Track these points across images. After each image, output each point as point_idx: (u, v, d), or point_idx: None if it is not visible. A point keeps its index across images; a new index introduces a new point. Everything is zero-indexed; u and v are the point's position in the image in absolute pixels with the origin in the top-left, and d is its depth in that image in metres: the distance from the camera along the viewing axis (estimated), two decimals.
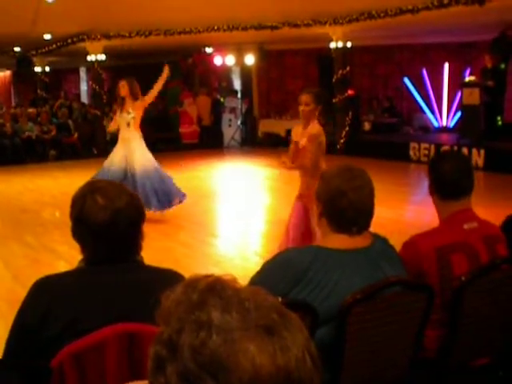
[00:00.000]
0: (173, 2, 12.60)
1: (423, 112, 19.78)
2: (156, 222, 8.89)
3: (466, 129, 14.65)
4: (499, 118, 14.84)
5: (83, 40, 16.74)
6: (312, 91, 5.68)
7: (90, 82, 20.02)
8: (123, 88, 8.91)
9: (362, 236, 2.57)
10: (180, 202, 9.28)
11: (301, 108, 5.59)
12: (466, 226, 2.97)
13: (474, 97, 14.19)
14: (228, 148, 19.93)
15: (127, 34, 16.42)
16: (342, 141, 16.86)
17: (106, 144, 16.24)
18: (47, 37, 16.46)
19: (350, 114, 16.78)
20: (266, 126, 19.66)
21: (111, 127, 9.44)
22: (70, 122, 19.08)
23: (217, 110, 20.27)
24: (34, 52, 19.07)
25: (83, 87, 28.41)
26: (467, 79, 15.64)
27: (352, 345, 2.44)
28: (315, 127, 5.52)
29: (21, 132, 17.67)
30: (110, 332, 2.06)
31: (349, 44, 16.41)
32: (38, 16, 12.89)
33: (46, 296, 2.17)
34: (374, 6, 13.76)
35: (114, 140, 9.64)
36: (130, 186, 8.21)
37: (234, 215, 10.26)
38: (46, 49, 18.25)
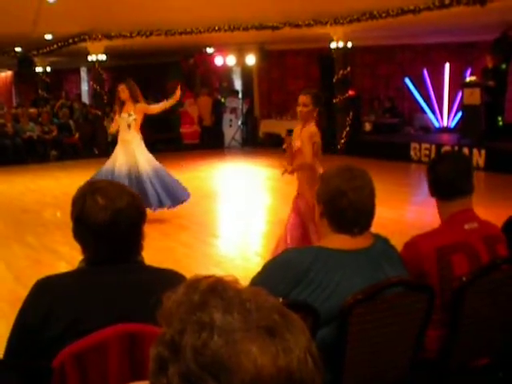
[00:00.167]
0: (174, 3, 12.60)
1: (424, 112, 19.78)
2: (157, 222, 8.89)
3: (467, 129, 14.64)
4: (500, 118, 14.84)
5: (84, 40, 16.75)
6: (311, 92, 5.68)
7: (91, 82, 20.03)
8: (123, 92, 8.88)
9: (363, 236, 2.57)
10: (185, 200, 9.31)
11: (299, 109, 5.60)
12: (466, 227, 2.98)
13: (474, 97, 14.19)
14: (229, 148, 19.93)
15: (128, 34, 16.42)
16: (342, 141, 16.86)
17: (107, 144, 16.24)
18: (48, 37, 16.47)
19: (351, 114, 16.78)
20: (267, 126, 19.65)
21: (112, 128, 9.42)
22: (71, 122, 19.10)
23: (218, 110, 20.27)
24: (35, 52, 19.07)
25: (84, 87, 28.42)
26: (468, 79, 15.64)
27: (353, 345, 2.44)
28: (310, 128, 5.52)
29: (22, 132, 17.68)
30: (111, 332, 2.06)
31: (350, 44, 16.41)
32: (39, 16, 12.90)
33: (47, 296, 2.17)
34: (376, 7, 13.76)
35: (115, 140, 9.64)
36: (135, 187, 8.25)
37: (234, 215, 10.27)
38: (47, 49, 18.25)
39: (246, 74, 20.66)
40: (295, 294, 2.42)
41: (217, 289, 0.99)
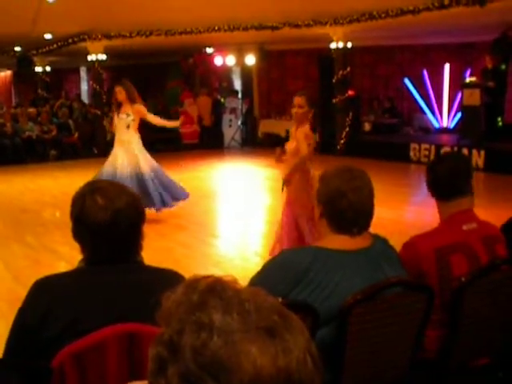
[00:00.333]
0: (174, 3, 12.60)
1: (424, 113, 19.79)
2: (156, 223, 8.89)
3: (467, 129, 14.65)
4: (499, 119, 14.84)
5: (84, 40, 16.75)
6: (306, 93, 5.70)
7: (91, 82, 20.03)
8: (120, 94, 8.84)
9: (362, 237, 2.58)
10: (184, 199, 9.32)
11: (294, 110, 5.60)
12: (465, 227, 2.98)
13: (474, 97, 14.19)
14: (228, 148, 19.93)
15: (128, 34, 16.42)
16: (342, 141, 16.87)
17: (106, 144, 16.23)
18: (48, 36, 16.46)
19: (351, 114, 16.78)
20: (267, 126, 19.65)
21: (113, 129, 9.38)
22: (71, 121, 19.09)
23: (217, 110, 20.27)
24: (34, 52, 19.07)
25: (84, 87, 28.42)
26: (468, 80, 15.64)
27: (352, 345, 2.44)
28: (305, 129, 5.52)
29: (21, 132, 17.67)
30: (110, 332, 2.06)
31: (349, 44, 16.41)
32: (38, 16, 12.89)
33: (46, 296, 2.17)
34: (375, 7, 13.76)
35: (114, 140, 9.61)
36: (138, 188, 8.27)
37: (234, 215, 10.27)
38: (47, 48, 18.25)
39: (246, 74, 20.66)
40: (295, 294, 2.42)
41: (216, 289, 0.99)
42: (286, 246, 5.51)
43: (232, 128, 20.17)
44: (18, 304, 2.24)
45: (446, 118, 19.55)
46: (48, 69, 21.75)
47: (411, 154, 15.31)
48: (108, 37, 16.62)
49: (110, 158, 9.15)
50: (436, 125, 19.54)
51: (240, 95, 20.61)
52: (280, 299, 2.26)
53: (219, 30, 16.06)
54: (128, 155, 8.95)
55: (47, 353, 2.05)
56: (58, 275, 2.32)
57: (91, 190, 2.27)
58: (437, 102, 19.63)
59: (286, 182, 5.63)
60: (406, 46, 19.77)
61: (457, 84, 17.38)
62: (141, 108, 8.96)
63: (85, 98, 26.25)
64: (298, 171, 5.59)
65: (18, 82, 27.43)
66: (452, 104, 19.07)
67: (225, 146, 20.05)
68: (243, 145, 20.22)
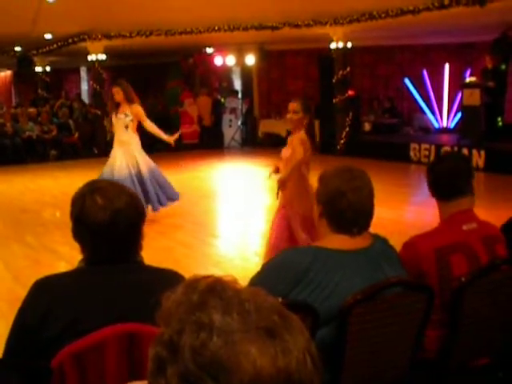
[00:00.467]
0: (174, 3, 12.60)
1: (424, 113, 19.79)
2: (156, 222, 8.90)
3: (467, 129, 14.64)
4: (500, 119, 14.83)
5: (84, 40, 16.75)
6: (301, 99, 5.65)
7: (91, 82, 20.03)
8: (118, 94, 8.76)
9: (362, 236, 2.58)
10: (175, 200, 9.35)
11: (289, 116, 5.55)
12: (465, 227, 2.98)
13: (474, 97, 14.19)
14: (228, 148, 19.93)
15: (128, 34, 16.42)
16: (342, 141, 16.87)
17: (106, 144, 16.23)
18: (48, 36, 16.47)
19: (351, 114, 16.78)
20: (267, 126, 19.66)
21: (112, 129, 9.33)
22: (71, 121, 19.09)
23: (217, 110, 20.28)
24: (34, 52, 19.08)
25: (84, 87, 28.41)
26: (468, 80, 15.64)
27: (352, 345, 2.44)
28: (301, 135, 5.47)
29: (21, 132, 17.68)
30: (110, 332, 2.06)
31: (349, 44, 16.41)
32: (38, 16, 12.90)
33: (45, 296, 2.17)
34: (375, 7, 13.77)
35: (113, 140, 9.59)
36: (137, 188, 8.27)
37: (234, 215, 10.27)
38: (47, 48, 18.25)
39: (246, 74, 20.67)
40: (294, 294, 2.42)
41: (216, 289, 0.99)
42: (276, 244, 5.50)
43: (232, 128, 20.17)
44: (18, 304, 2.24)
45: (446, 118, 19.55)
46: (48, 69, 21.76)
47: (411, 154, 15.31)
48: (108, 37, 16.62)
49: (109, 160, 9.12)
50: (436, 125, 19.54)
51: (240, 95, 20.62)
52: (280, 299, 2.26)
53: (219, 30, 16.06)
54: (126, 156, 8.91)
55: (47, 353, 2.05)
56: (57, 275, 2.32)
57: (91, 190, 2.27)
58: (437, 102, 19.63)
59: (281, 185, 5.59)
60: (405, 45, 19.77)
61: (457, 84, 17.38)
62: (139, 110, 8.89)
63: (85, 98, 26.25)
64: (294, 176, 5.56)
65: (18, 81, 27.43)
66: (452, 104, 19.07)
67: (225, 146, 20.06)
68: (243, 145, 20.22)
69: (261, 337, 0.93)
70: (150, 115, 9.72)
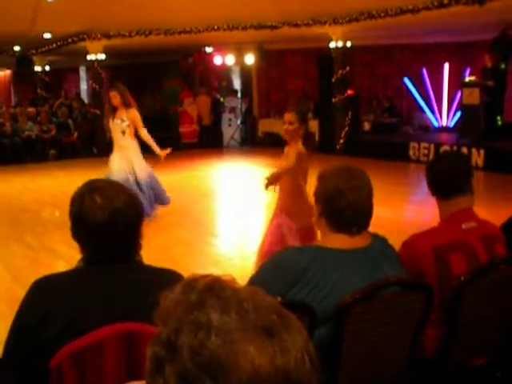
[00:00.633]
0: (173, 2, 12.60)
1: (423, 112, 19.78)
2: (155, 221, 8.90)
3: (466, 129, 14.65)
4: (499, 118, 14.83)
5: (83, 39, 16.75)
6: (296, 109, 5.54)
7: (90, 82, 20.03)
8: (115, 98, 8.66)
9: (361, 236, 2.58)
10: (166, 204, 9.32)
11: (284, 127, 5.46)
12: (464, 226, 2.98)
13: (473, 97, 14.19)
14: (228, 148, 19.94)
15: (127, 34, 16.42)
16: (341, 141, 16.87)
17: (105, 143, 16.24)
18: (47, 36, 16.46)
19: (350, 113, 16.78)
20: (266, 125, 19.65)
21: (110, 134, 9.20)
22: (70, 121, 19.09)
23: (217, 109, 20.27)
24: (33, 51, 19.07)
25: (83, 86, 28.40)
26: (467, 79, 15.64)
27: (350, 345, 2.44)
28: (298, 147, 5.39)
29: (20, 131, 17.67)
30: (109, 332, 2.06)
31: (349, 44, 16.41)
32: (37, 15, 12.89)
33: (44, 296, 2.17)
34: (374, 6, 13.77)
35: (113, 140, 9.53)
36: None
37: (233, 215, 10.27)
38: (46, 48, 18.25)
39: (245, 73, 20.67)
40: (293, 294, 2.42)
41: (214, 288, 0.99)
42: (269, 251, 5.49)
43: (231, 127, 20.17)
44: (18, 304, 2.24)
45: (445, 117, 19.55)
46: (47, 68, 21.75)
47: (411, 153, 15.31)
48: (107, 36, 16.62)
49: (109, 164, 9.04)
50: (435, 124, 19.54)
51: (239, 94, 20.62)
52: (278, 298, 2.26)
53: (218, 29, 16.06)
54: (123, 161, 8.81)
55: (46, 353, 2.05)
56: (56, 275, 2.32)
57: (90, 189, 2.27)
58: (436, 101, 19.62)
59: (268, 182, 5.50)
60: (405, 45, 19.76)
61: (456, 83, 17.37)
62: (136, 115, 8.77)
63: (84, 97, 26.24)
64: (290, 185, 5.51)
65: (18, 81, 27.41)
66: (451, 103, 19.07)
67: (224, 146, 20.06)
68: (242, 144, 20.22)
69: (259, 336, 0.93)
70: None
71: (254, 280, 2.58)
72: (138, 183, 8.82)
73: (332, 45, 16.35)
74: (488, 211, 5.59)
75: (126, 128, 8.70)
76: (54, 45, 17.60)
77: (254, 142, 19.93)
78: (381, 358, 2.58)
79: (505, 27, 14.22)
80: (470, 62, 18.80)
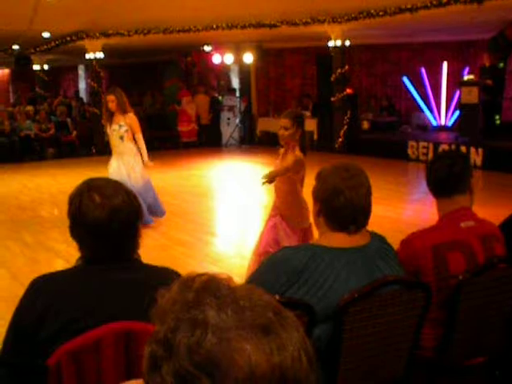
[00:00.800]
0: (172, 1, 12.60)
1: (422, 111, 19.78)
2: (154, 220, 8.90)
3: (465, 127, 14.65)
4: (498, 117, 14.84)
5: (82, 38, 16.75)
6: (291, 114, 5.51)
7: (89, 80, 20.03)
8: (112, 103, 8.51)
9: (360, 234, 2.58)
10: (160, 217, 9.17)
11: (280, 132, 5.44)
12: (462, 225, 2.98)
13: (472, 95, 14.19)
14: (226, 146, 19.94)
15: (126, 33, 16.42)
16: (340, 140, 16.87)
17: (104, 142, 16.24)
18: (46, 35, 16.46)
19: (349, 112, 16.79)
20: (265, 124, 19.65)
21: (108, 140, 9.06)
22: (69, 120, 19.09)
23: (215, 108, 20.27)
24: (32, 50, 19.07)
25: (82, 85, 28.41)
26: (466, 78, 15.64)
27: (349, 343, 2.44)
28: (296, 155, 5.33)
29: (19, 130, 17.67)
30: (107, 330, 2.06)
31: (347, 42, 16.42)
32: (36, 14, 12.88)
33: (42, 295, 2.17)
34: (373, 5, 13.77)
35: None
36: None
37: (232, 214, 10.27)
38: (45, 47, 18.25)
39: (244, 72, 20.67)
40: (291, 293, 2.42)
41: (210, 287, 0.99)
42: (264, 252, 5.49)
43: (230, 126, 20.18)
44: (16, 302, 2.24)
45: (444, 116, 19.55)
46: (46, 67, 21.75)
47: (409, 151, 15.32)
48: (106, 35, 16.62)
49: (108, 169, 8.93)
50: (434, 123, 19.54)
51: (238, 93, 20.62)
52: (277, 297, 2.26)
53: (217, 28, 16.06)
54: (120, 167, 8.70)
55: (44, 351, 2.05)
56: (55, 274, 2.32)
57: (88, 188, 2.26)
58: (435, 100, 19.62)
59: (266, 179, 5.50)
60: (404, 44, 19.76)
61: (455, 82, 17.39)
62: (134, 120, 8.66)
63: (83, 96, 26.25)
64: (287, 189, 5.51)
65: (16, 80, 27.44)
66: (450, 102, 19.07)
67: (223, 145, 20.06)
68: (241, 143, 20.23)
69: (256, 334, 0.92)
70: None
71: (252, 280, 2.58)
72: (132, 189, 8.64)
73: (331, 44, 16.35)
74: (487, 210, 5.59)
75: (124, 133, 8.55)
76: (53, 43, 17.60)
77: (253, 141, 19.95)
78: (379, 356, 2.58)
79: (503, 26, 14.22)
80: (468, 61, 18.80)
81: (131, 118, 8.62)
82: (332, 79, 16.70)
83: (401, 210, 10.14)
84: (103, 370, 2.08)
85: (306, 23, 15.55)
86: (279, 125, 5.45)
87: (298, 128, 5.35)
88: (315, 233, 2.82)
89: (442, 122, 19.50)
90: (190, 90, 20.69)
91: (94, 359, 2.06)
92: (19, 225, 9.45)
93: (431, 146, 14.67)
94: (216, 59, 19.36)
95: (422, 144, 15.06)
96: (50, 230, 8.94)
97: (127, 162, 8.70)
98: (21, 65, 19.84)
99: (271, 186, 5.70)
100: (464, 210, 3.05)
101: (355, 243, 2.55)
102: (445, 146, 14.00)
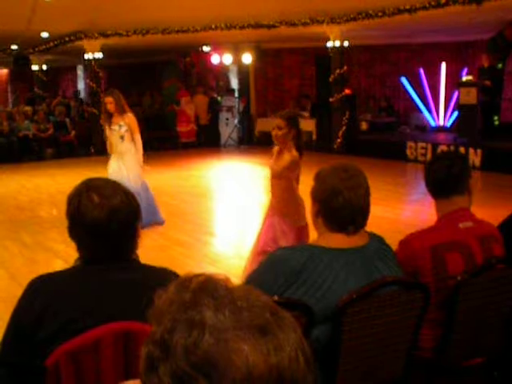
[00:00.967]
0: (170, 1, 12.59)
1: (420, 111, 19.81)
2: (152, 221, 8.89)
3: (463, 128, 14.66)
4: (496, 118, 14.85)
5: (80, 38, 16.74)
6: (284, 115, 5.54)
7: (88, 81, 20.02)
8: (110, 104, 8.47)
9: (359, 235, 2.58)
10: (158, 223, 9.03)
11: (274, 132, 5.47)
12: (461, 226, 2.98)
13: (471, 96, 14.20)
14: (225, 147, 19.94)
15: (124, 33, 16.42)
16: (339, 140, 16.88)
17: (103, 143, 16.22)
18: (44, 35, 16.45)
19: (347, 113, 16.79)
20: (263, 124, 19.64)
21: (109, 148, 8.84)
22: (68, 120, 19.08)
23: (214, 108, 20.27)
24: (31, 50, 19.06)
25: (81, 85, 28.39)
26: (464, 79, 15.66)
27: (347, 344, 2.44)
28: (293, 155, 5.37)
29: (18, 130, 17.66)
30: (105, 330, 2.06)
31: (346, 43, 16.43)
32: (35, 14, 12.88)
33: (41, 296, 2.16)
34: (372, 6, 13.78)
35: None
36: None
37: (231, 214, 10.26)
38: (44, 47, 18.24)
39: (243, 72, 20.66)
40: (290, 293, 2.42)
41: (208, 287, 0.99)
42: (262, 251, 5.49)
43: (229, 126, 20.18)
44: (14, 303, 2.23)
45: (442, 117, 19.58)
46: (44, 67, 21.74)
47: (408, 152, 15.33)
48: (104, 35, 16.62)
49: (108, 169, 8.90)
50: (433, 123, 19.57)
51: (237, 94, 20.61)
52: (276, 297, 2.26)
53: (216, 28, 16.06)
54: (118, 167, 8.68)
55: (43, 352, 2.05)
56: (53, 274, 2.31)
57: (87, 188, 2.26)
58: (433, 101, 19.65)
59: (276, 175, 5.54)
60: (402, 44, 19.79)
61: (453, 83, 17.41)
62: (133, 120, 8.63)
63: (82, 96, 26.22)
64: (283, 187, 5.53)
65: (15, 80, 27.41)
66: (449, 103, 19.10)
67: (221, 145, 20.06)
68: (240, 143, 20.22)
69: (253, 334, 0.92)
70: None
71: (250, 280, 2.57)
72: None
73: (329, 44, 16.36)
74: (485, 211, 5.59)
75: (124, 133, 8.54)
76: (52, 44, 17.59)
77: (251, 142, 19.95)
78: (378, 357, 2.58)
79: (502, 27, 14.23)
80: (467, 62, 18.84)
81: (130, 118, 8.60)
82: (330, 80, 16.70)
83: (399, 210, 10.14)
84: (102, 370, 2.08)
85: (304, 24, 15.55)
86: (274, 125, 5.48)
87: (291, 128, 5.37)
88: (312, 233, 2.82)
89: (441, 123, 19.52)
90: (189, 90, 20.69)
91: (92, 359, 2.06)
92: (18, 225, 9.45)
93: (430, 146, 14.67)
94: (215, 59, 19.36)
95: (420, 145, 15.07)
96: (48, 230, 8.94)
97: (127, 162, 8.68)
98: (19, 65, 19.83)
99: (268, 186, 5.73)
100: (462, 211, 3.05)
101: (354, 244, 2.55)
102: (443, 147, 14.01)
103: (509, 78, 15.53)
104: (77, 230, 2.26)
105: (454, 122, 18.35)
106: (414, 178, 13.43)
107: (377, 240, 2.66)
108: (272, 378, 0.90)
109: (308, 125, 17.39)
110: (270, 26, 15.77)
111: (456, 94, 16.40)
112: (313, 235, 2.85)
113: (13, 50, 19.21)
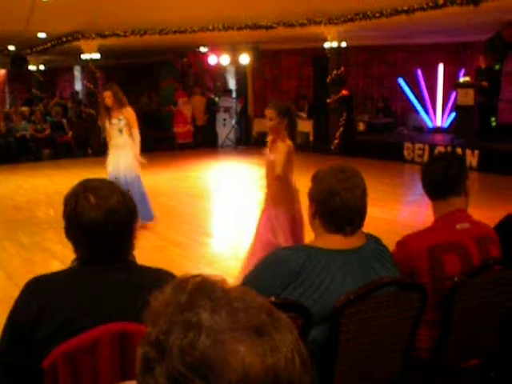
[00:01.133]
0: (168, 2, 12.59)
1: (418, 112, 19.82)
2: (149, 222, 8.88)
3: (461, 129, 14.67)
4: (493, 119, 14.86)
5: (78, 39, 16.73)
6: (275, 105, 5.64)
7: (85, 81, 20.01)
8: (108, 98, 8.53)
9: (356, 236, 2.58)
10: (144, 221, 8.80)
11: (266, 124, 5.58)
12: (457, 227, 2.98)
13: (468, 97, 14.22)
14: (222, 147, 19.94)
15: (122, 33, 16.41)
16: (336, 141, 16.88)
17: (100, 143, 16.23)
18: (42, 35, 16.43)
19: (345, 114, 16.80)
20: (261, 125, 19.56)
21: (109, 138, 8.90)
22: (65, 120, 19.07)
23: (211, 109, 20.27)
24: (28, 51, 19.03)
25: (78, 86, 28.37)
26: (462, 80, 15.67)
27: (345, 345, 2.44)
28: (284, 143, 5.46)
29: (15, 131, 17.64)
30: (102, 331, 2.06)
31: (343, 44, 16.43)
32: (32, 14, 12.86)
33: (38, 296, 2.16)
34: (369, 7, 13.79)
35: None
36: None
37: (228, 215, 10.26)
38: (41, 47, 18.22)
39: (240, 73, 20.67)
40: (287, 294, 2.42)
41: (204, 289, 0.98)
42: (261, 247, 5.51)
43: (226, 127, 20.17)
44: (11, 303, 2.23)
45: (439, 118, 19.58)
46: (42, 68, 21.73)
47: (405, 153, 15.33)
48: (102, 36, 16.61)
49: (106, 165, 8.89)
50: (430, 124, 19.58)
51: (234, 94, 20.61)
52: (273, 298, 2.26)
53: (213, 29, 16.07)
54: (115, 161, 8.69)
55: (40, 353, 2.05)
56: (50, 275, 2.31)
57: (84, 188, 2.26)
58: (431, 102, 19.66)
59: (278, 178, 5.59)
60: (400, 45, 19.80)
61: (451, 84, 17.41)
62: (132, 114, 8.68)
63: (79, 97, 26.21)
64: (278, 180, 5.57)
65: (12, 80, 27.38)
66: (446, 104, 19.11)
67: (219, 146, 20.05)
68: (237, 144, 20.22)
69: (249, 336, 0.92)
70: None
71: (248, 280, 2.57)
72: (125, 183, 8.57)
73: (327, 45, 16.36)
74: (482, 212, 5.60)
75: (123, 127, 8.61)
76: (49, 44, 17.58)
77: (249, 142, 19.94)
78: (375, 357, 2.58)
79: (500, 28, 14.24)
80: (464, 63, 18.85)
81: (129, 112, 8.68)
82: (328, 80, 16.71)
83: (396, 211, 10.14)
84: (99, 370, 2.08)
85: (302, 24, 15.56)
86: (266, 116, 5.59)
87: (283, 118, 5.48)
88: (309, 234, 2.82)
89: (438, 124, 19.53)
90: (186, 90, 20.69)
91: (89, 360, 2.06)
92: (15, 225, 9.44)
93: (427, 147, 14.68)
94: (212, 60, 19.35)
95: (417, 146, 15.07)
96: (45, 230, 8.93)
97: (123, 155, 8.69)
98: (17, 65, 19.79)
99: (263, 179, 5.81)
100: (459, 212, 3.06)
101: (351, 245, 2.55)
102: (440, 148, 14.02)
103: (506, 79, 15.54)
104: (74, 230, 2.25)
105: (451, 123, 18.36)
106: (411, 179, 13.43)
107: (374, 241, 2.66)
108: (268, 379, 0.90)
109: (305, 126, 17.39)
110: (267, 27, 15.77)
111: (453, 95, 16.41)
112: (310, 236, 2.85)
113: (10, 50, 19.18)
